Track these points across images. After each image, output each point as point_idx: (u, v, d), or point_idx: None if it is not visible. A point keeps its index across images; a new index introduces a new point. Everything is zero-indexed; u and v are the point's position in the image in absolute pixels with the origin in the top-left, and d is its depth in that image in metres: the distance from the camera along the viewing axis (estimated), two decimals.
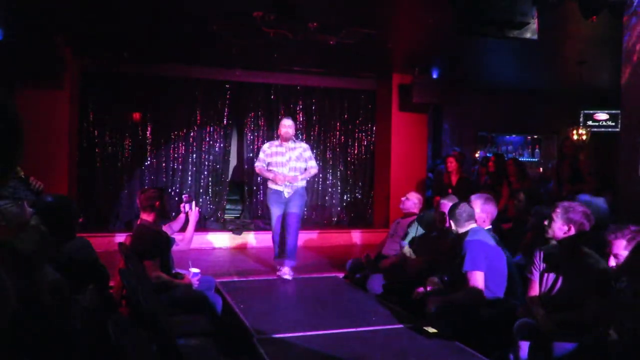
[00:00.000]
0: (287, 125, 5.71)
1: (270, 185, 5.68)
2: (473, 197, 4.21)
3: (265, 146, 5.85)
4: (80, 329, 1.61)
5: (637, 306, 2.54)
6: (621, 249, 2.76)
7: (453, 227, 3.98)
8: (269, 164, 5.68)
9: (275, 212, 5.62)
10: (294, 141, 5.82)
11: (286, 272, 5.49)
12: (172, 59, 7.86)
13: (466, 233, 3.86)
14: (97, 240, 5.75)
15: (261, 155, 5.78)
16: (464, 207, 3.98)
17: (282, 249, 5.60)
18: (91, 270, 3.08)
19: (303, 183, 5.69)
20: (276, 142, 5.84)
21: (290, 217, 5.56)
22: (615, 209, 4.31)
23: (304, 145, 5.91)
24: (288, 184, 5.55)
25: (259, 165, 5.78)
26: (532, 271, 3.30)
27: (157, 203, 3.94)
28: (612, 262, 2.82)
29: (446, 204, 4.69)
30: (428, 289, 4.10)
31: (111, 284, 3.65)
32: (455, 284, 3.89)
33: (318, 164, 6.35)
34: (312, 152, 6.16)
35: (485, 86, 9.65)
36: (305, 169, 5.72)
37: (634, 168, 4.07)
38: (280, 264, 5.62)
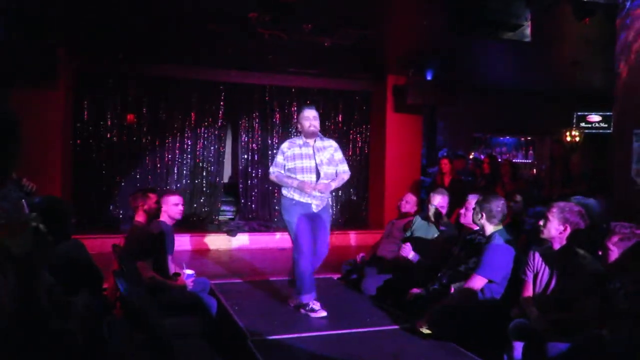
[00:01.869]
0: (311, 117, 4.27)
1: (292, 194, 4.25)
2: (470, 197, 4.20)
3: (284, 146, 4.35)
4: (75, 331, 1.60)
5: (630, 307, 2.56)
6: (611, 243, 2.79)
7: (481, 219, 3.69)
8: (289, 170, 4.26)
9: (305, 227, 4.19)
10: (322, 139, 4.39)
11: (322, 308, 4.28)
12: (167, 60, 7.84)
13: (491, 236, 3.67)
14: (91, 242, 5.73)
15: (279, 158, 4.32)
16: (500, 202, 3.69)
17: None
18: (85, 272, 3.07)
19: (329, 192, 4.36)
20: (299, 141, 4.33)
21: (322, 238, 4.37)
22: (612, 210, 4.33)
23: (334, 143, 4.45)
24: (317, 194, 4.23)
25: (275, 171, 4.31)
26: (526, 272, 3.31)
27: (141, 203, 4.00)
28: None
29: (435, 197, 4.77)
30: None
31: (105, 285, 3.64)
32: (456, 280, 3.89)
33: None
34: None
35: (480, 88, 9.69)
36: (336, 174, 4.36)
37: (627, 169, 4.09)
38: (297, 299, 4.35)
